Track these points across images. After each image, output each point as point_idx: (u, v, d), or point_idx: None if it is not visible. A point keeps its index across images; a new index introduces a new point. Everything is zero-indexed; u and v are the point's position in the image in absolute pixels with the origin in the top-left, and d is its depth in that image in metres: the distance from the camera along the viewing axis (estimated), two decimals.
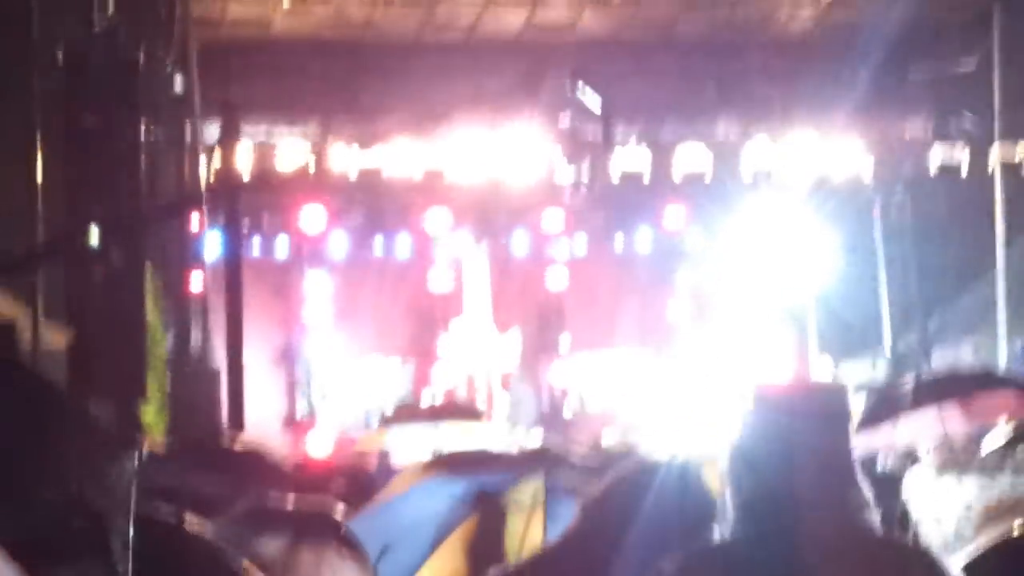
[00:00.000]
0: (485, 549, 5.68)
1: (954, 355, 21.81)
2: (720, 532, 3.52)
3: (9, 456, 1.02)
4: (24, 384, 1.13)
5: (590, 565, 4.18)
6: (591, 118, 19.17)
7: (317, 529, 5.75)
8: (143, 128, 17.32)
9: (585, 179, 20.70)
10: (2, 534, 0.97)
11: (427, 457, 12.33)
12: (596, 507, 4.38)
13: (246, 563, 3.56)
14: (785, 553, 3.33)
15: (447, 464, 6.54)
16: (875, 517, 3.45)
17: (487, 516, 5.74)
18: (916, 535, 5.69)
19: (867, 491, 3.47)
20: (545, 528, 5.61)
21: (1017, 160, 21.06)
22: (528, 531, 5.64)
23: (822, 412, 3.53)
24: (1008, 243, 20.44)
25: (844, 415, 3.61)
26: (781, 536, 3.34)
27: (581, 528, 4.38)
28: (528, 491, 5.81)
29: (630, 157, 20.73)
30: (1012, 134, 21.04)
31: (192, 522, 3.98)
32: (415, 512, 5.79)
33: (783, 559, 3.33)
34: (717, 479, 4.39)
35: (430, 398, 22.28)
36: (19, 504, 0.97)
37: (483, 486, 5.85)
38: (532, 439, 20.70)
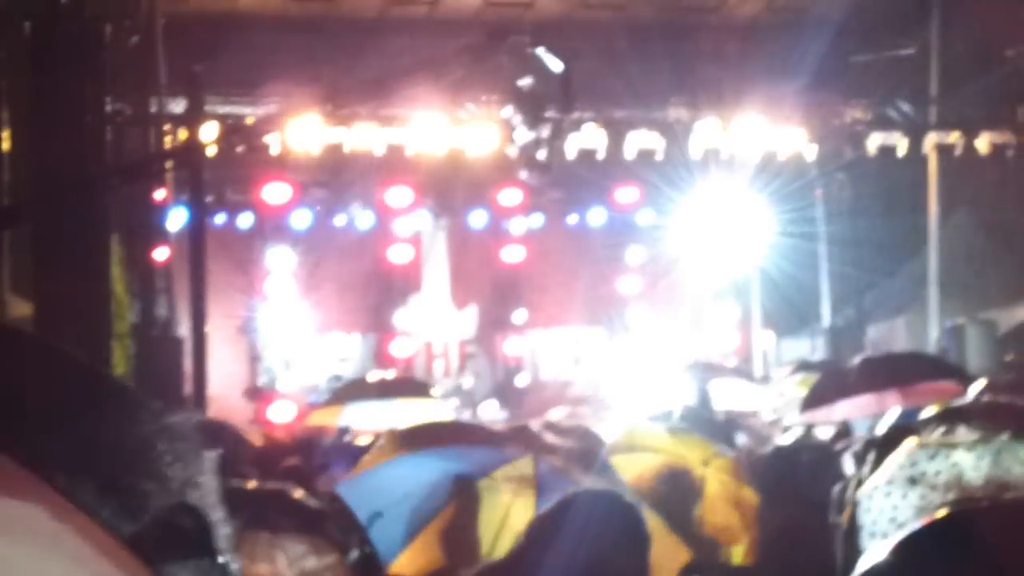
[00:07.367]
0: (460, 537, 5.50)
1: (888, 331, 22.10)
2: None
3: (115, 459, 1.08)
4: (98, 382, 1.14)
5: None
6: (550, 80, 19.20)
7: (274, 509, 5.84)
8: (108, 101, 17.30)
9: (543, 156, 20.79)
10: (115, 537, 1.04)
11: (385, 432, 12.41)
12: (540, 529, 4.31)
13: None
14: None
15: (431, 437, 6.32)
16: None
17: (465, 502, 5.55)
18: (852, 507, 5.88)
19: None
20: (536, 509, 5.38)
21: (951, 143, 21.29)
22: (509, 517, 5.41)
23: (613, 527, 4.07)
24: (940, 224, 20.54)
25: (632, 529, 4.12)
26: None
27: (525, 548, 4.29)
28: (517, 471, 5.62)
29: (585, 135, 20.82)
30: (947, 118, 21.25)
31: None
32: (402, 484, 5.62)
33: None
34: (651, 515, 4.76)
35: (382, 374, 22.33)
36: (129, 507, 1.04)
37: (471, 465, 5.64)
38: (488, 414, 20.73)
